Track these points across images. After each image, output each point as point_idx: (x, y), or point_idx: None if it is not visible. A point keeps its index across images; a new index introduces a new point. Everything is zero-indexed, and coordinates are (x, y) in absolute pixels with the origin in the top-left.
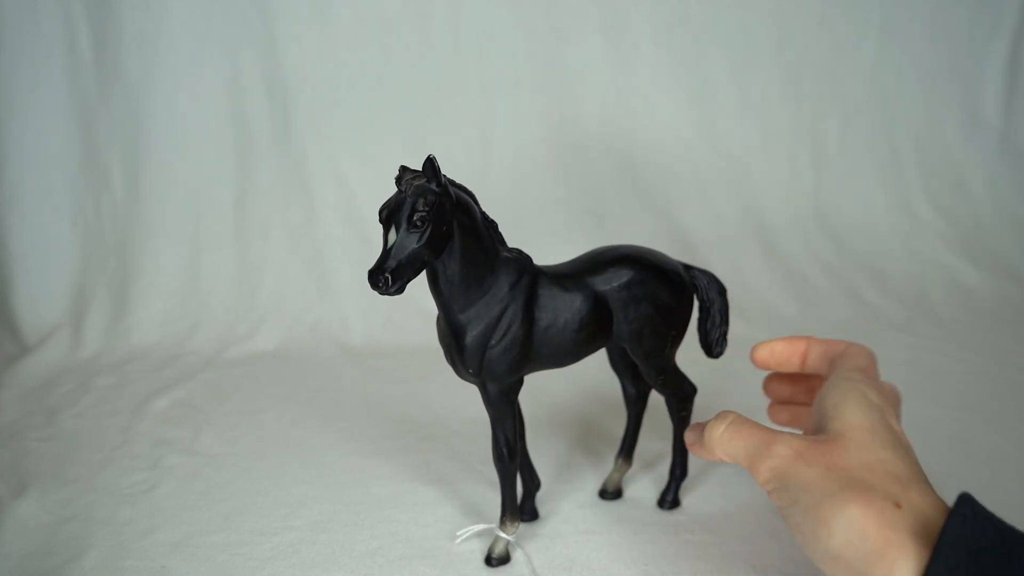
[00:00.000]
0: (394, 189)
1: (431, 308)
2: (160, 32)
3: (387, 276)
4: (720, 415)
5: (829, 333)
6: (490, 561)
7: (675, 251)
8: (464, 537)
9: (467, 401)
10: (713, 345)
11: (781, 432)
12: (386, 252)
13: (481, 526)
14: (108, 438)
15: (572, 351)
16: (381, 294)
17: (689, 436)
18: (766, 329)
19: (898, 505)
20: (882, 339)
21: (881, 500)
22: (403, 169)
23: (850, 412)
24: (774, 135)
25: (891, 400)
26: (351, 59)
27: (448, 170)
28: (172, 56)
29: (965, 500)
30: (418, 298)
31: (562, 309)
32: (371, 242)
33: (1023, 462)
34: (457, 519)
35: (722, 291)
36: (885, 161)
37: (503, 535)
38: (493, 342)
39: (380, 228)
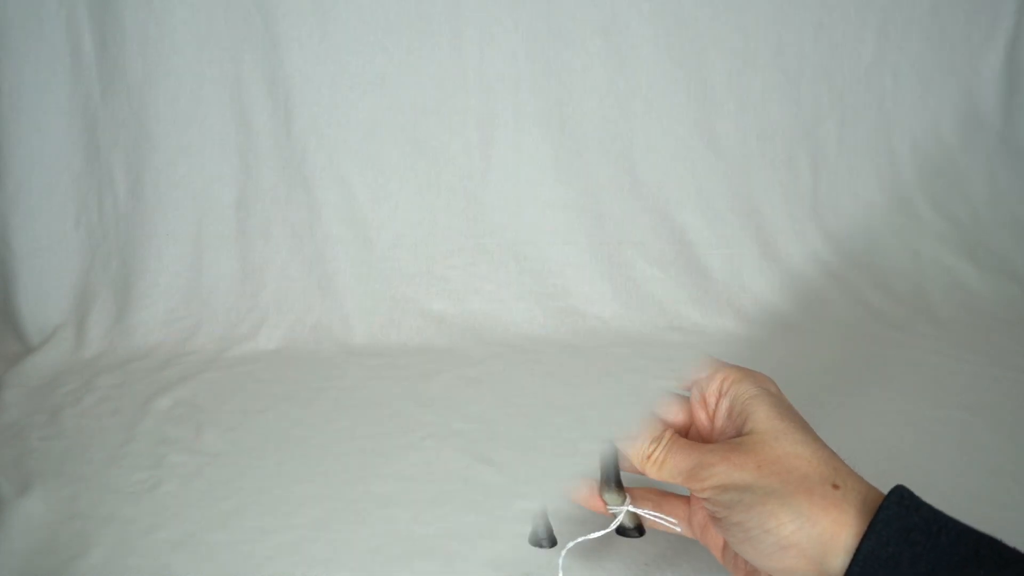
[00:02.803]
0: (392, 189)
1: (431, 308)
2: (162, 33)
3: None
4: (640, 435)
5: (829, 333)
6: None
7: (675, 251)
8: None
9: (469, 400)
10: None
11: (704, 444)
12: None
13: None
14: (111, 437)
15: None
16: None
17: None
18: (765, 329)
19: (835, 486)
20: (882, 339)
21: (820, 485)
22: None
23: (761, 411)
24: (773, 135)
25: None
26: (352, 59)
27: (448, 170)
28: (175, 57)
29: (900, 488)
30: (418, 298)
31: None
32: (372, 242)
33: (1023, 462)
34: (458, 518)
35: None
36: (884, 161)
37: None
38: None
39: (381, 227)
